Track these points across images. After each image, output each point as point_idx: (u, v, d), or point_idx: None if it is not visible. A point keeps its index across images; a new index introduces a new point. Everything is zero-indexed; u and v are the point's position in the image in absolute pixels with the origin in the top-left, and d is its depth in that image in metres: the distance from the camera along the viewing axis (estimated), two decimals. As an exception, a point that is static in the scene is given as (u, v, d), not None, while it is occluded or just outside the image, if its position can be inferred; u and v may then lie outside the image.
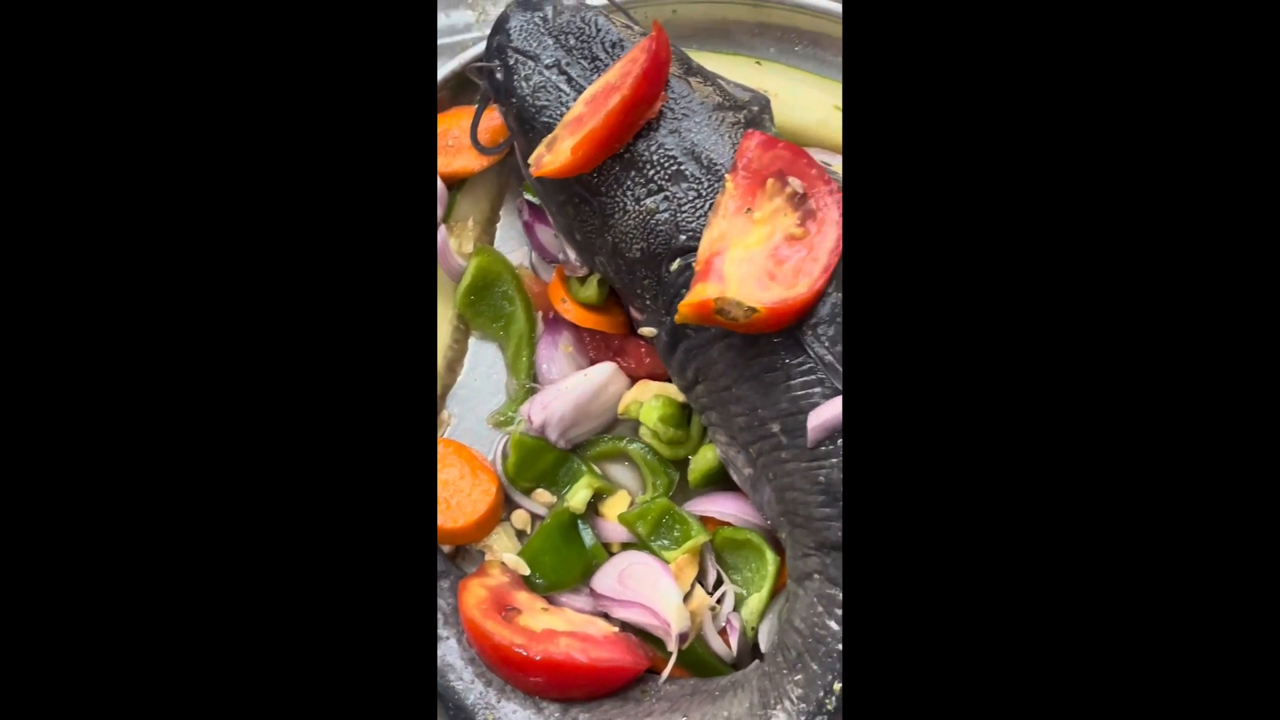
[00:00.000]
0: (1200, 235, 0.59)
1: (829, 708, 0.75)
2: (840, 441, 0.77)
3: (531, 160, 0.83)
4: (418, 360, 0.65)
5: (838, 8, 1.00)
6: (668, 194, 0.81)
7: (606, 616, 0.88)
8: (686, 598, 0.86)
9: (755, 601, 0.86)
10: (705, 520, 0.89)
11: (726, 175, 0.80)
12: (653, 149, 0.82)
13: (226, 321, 0.62)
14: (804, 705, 0.75)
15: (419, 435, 0.63)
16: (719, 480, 0.89)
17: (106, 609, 0.60)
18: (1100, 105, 0.61)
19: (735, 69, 0.99)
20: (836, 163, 0.96)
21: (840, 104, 0.98)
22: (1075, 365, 0.59)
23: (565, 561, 0.89)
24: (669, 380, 0.89)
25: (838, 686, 0.75)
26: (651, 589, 0.85)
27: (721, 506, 0.89)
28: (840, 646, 0.75)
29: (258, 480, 0.61)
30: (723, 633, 0.87)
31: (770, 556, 0.86)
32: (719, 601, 0.87)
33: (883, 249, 0.62)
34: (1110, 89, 0.61)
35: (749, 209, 0.79)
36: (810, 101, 0.98)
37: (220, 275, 0.62)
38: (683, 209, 0.81)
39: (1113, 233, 0.60)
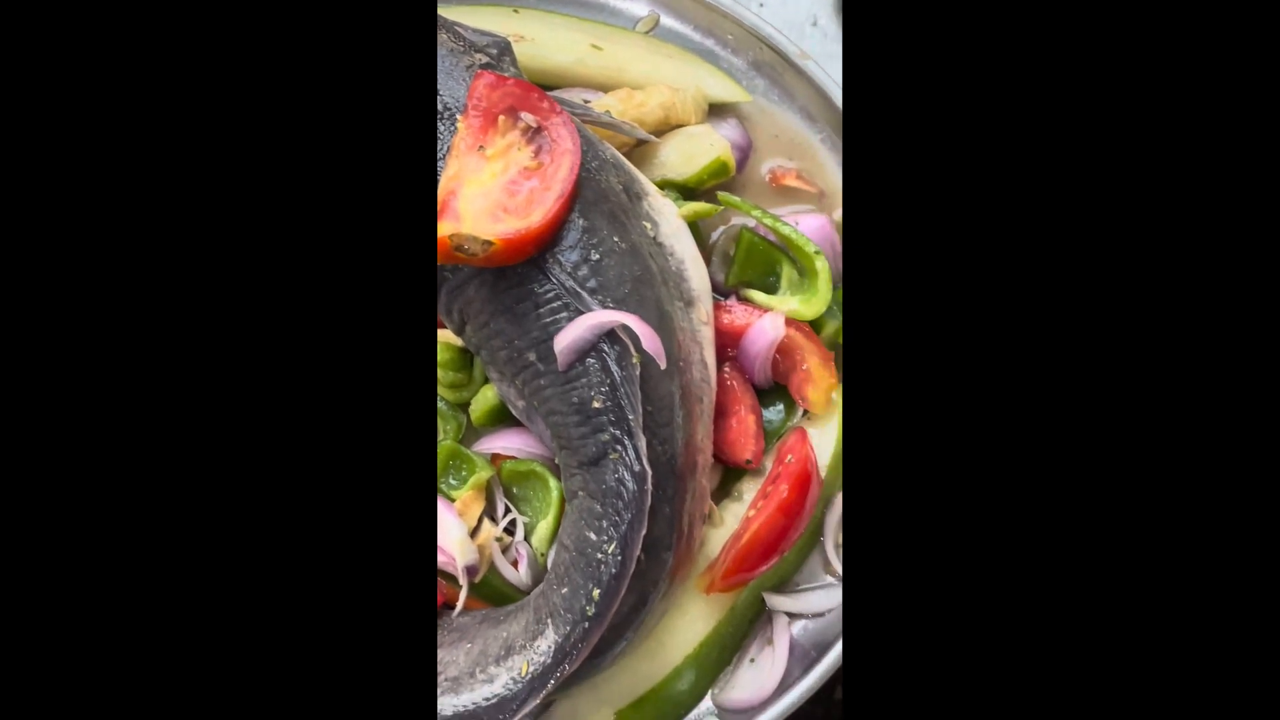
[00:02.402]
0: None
1: (589, 614, 0.77)
2: (589, 362, 0.79)
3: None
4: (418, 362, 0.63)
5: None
6: (407, 141, 0.83)
7: (404, 561, 0.89)
8: (474, 532, 0.88)
9: (543, 528, 0.88)
10: (494, 458, 0.91)
11: (459, 116, 0.82)
12: (389, 99, 0.83)
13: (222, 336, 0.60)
14: (568, 615, 0.78)
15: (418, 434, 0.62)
16: (503, 417, 0.91)
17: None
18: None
19: (493, 19, 1.01)
20: (595, 99, 0.98)
21: (597, 43, 1.00)
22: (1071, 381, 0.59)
23: (360, 513, 0.90)
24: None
25: (596, 593, 0.77)
26: (437, 528, 0.87)
27: (507, 441, 0.91)
28: (600, 555, 0.78)
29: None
30: (515, 563, 0.89)
31: (554, 484, 0.88)
32: (508, 532, 0.89)
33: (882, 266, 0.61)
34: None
35: (482, 146, 0.81)
36: (567, 43, 1.00)
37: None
38: (423, 154, 0.83)
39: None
